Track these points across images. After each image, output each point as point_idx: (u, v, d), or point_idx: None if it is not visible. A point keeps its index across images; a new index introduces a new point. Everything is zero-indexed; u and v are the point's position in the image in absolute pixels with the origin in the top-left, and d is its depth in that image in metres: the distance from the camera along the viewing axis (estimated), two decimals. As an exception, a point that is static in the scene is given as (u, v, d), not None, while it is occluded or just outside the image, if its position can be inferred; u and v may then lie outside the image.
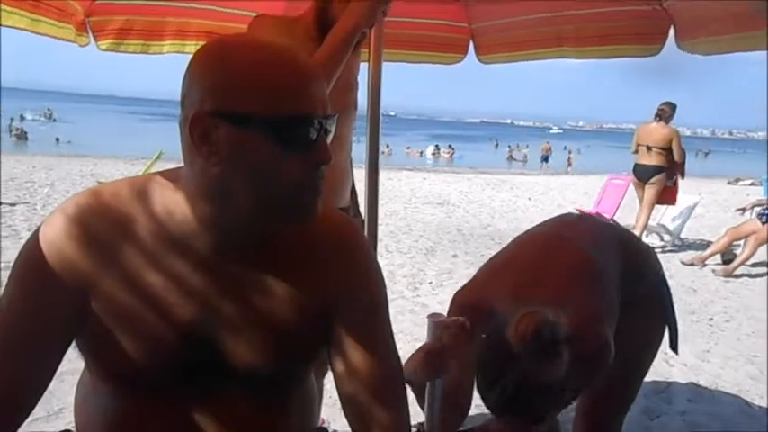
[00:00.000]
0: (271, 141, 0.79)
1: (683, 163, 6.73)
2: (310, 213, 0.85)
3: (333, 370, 0.98)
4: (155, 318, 0.86)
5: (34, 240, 0.85)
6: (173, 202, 0.86)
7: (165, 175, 0.90)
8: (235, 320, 0.89)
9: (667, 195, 6.85)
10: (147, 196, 0.87)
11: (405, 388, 1.01)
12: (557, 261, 1.55)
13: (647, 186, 6.76)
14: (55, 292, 0.84)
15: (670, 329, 1.79)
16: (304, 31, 1.70)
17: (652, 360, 1.79)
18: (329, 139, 0.85)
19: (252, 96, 0.77)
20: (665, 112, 6.58)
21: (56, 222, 0.85)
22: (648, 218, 6.83)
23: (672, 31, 2.12)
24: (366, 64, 1.84)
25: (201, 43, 2.55)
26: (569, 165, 26.92)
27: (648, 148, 6.67)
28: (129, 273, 0.85)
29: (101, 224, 0.85)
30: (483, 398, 1.42)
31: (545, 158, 27.62)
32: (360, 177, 1.96)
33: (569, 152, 29.91)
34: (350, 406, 0.96)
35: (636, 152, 6.81)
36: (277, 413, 0.95)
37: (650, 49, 2.22)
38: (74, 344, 0.91)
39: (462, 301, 1.57)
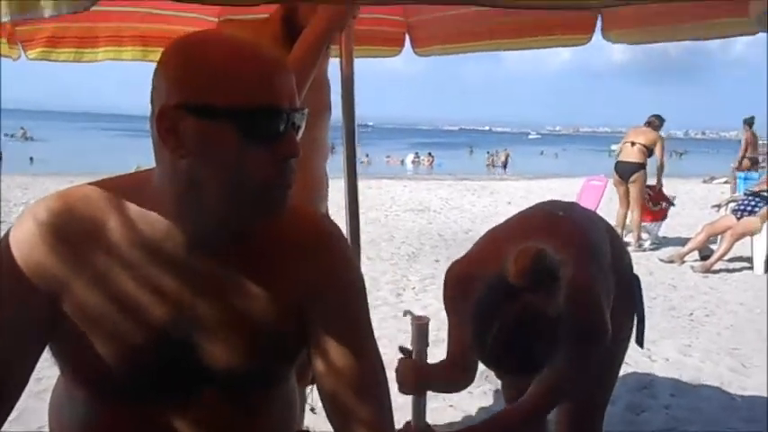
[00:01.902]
0: (237, 133, 0.78)
1: (662, 167, 7.08)
2: (280, 207, 0.84)
3: (314, 369, 0.97)
4: (128, 320, 0.84)
5: (4, 244, 0.84)
6: (144, 203, 0.85)
7: (136, 176, 0.90)
8: (210, 321, 0.87)
9: (658, 214, 7.12)
10: (118, 198, 0.86)
11: (386, 384, 0.99)
12: (553, 231, 1.57)
13: (629, 185, 6.93)
14: (25, 296, 0.82)
15: (638, 324, 1.81)
16: (271, 35, 1.69)
17: (624, 354, 1.80)
18: (299, 134, 0.84)
19: (217, 88, 0.77)
20: (654, 123, 7.11)
21: (25, 226, 0.84)
22: (640, 216, 6.95)
23: (599, 23, 2.23)
24: (337, 67, 1.84)
25: (138, 49, 2.53)
26: (504, 167, 27.80)
27: (633, 144, 7.05)
28: (100, 275, 0.84)
29: (71, 227, 0.84)
30: (479, 350, 1.38)
31: (504, 165, 28.41)
32: (339, 187, 1.96)
33: (505, 153, 30.46)
34: (331, 404, 0.95)
35: (619, 152, 7.09)
36: (256, 416, 0.93)
37: (579, 38, 2.33)
38: (50, 358, 0.89)
39: (458, 270, 1.62)
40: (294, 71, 1.54)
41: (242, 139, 0.78)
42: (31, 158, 21.97)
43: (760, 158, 10.98)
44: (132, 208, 0.85)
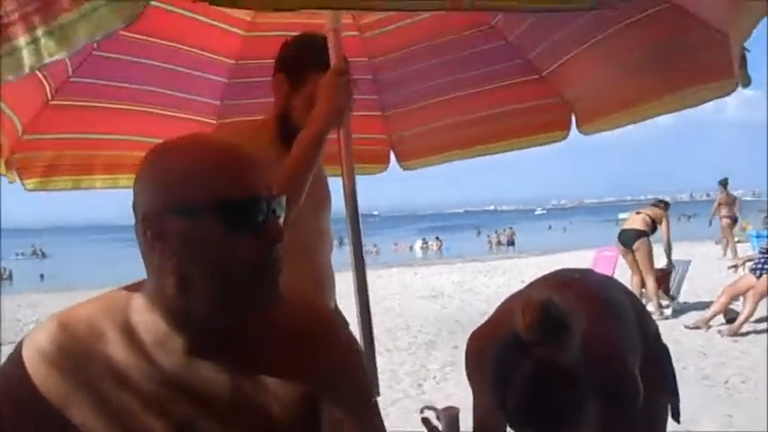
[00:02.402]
0: (220, 227, 0.80)
1: (669, 246, 7.22)
2: (271, 293, 0.85)
3: None
4: None
5: (8, 370, 0.83)
6: (138, 312, 0.85)
7: (129, 287, 0.89)
8: (218, 426, 0.84)
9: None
10: (113, 313, 0.86)
11: None
12: (567, 289, 1.54)
13: (635, 253, 6.92)
14: (29, 423, 0.80)
15: (672, 398, 1.72)
16: (268, 137, 1.73)
17: (663, 430, 1.70)
18: (280, 219, 0.86)
19: (195, 187, 0.80)
20: (659, 206, 7.40)
21: (26, 352, 0.83)
22: (654, 282, 6.86)
23: (573, 118, 2.35)
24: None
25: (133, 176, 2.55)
26: (510, 244, 28.05)
27: (638, 213, 7.33)
28: (101, 396, 0.81)
29: (69, 349, 0.82)
30: (500, 406, 1.35)
31: (510, 243, 28.50)
32: (348, 278, 1.93)
33: (510, 232, 30.81)
34: None
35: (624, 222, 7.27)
36: None
37: (558, 135, 2.44)
38: None
39: (476, 339, 1.60)
40: (295, 170, 1.57)
41: (226, 231, 0.80)
42: (42, 275, 22.14)
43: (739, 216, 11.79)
44: (127, 320, 0.85)
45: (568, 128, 2.37)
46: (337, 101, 1.58)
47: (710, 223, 11.83)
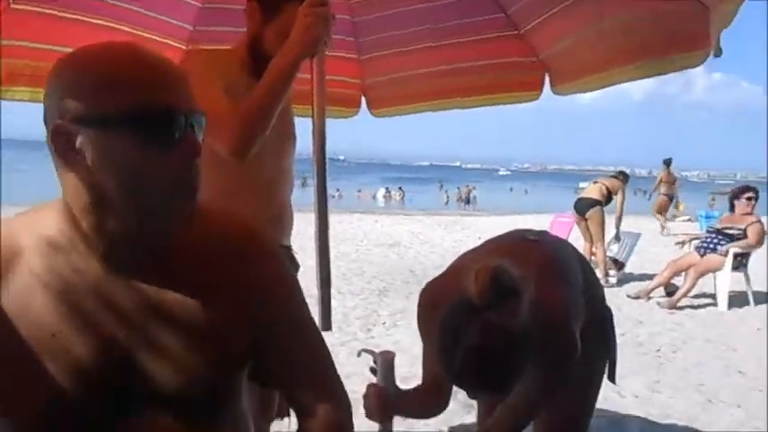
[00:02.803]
0: (134, 140, 0.76)
1: (620, 218, 7.61)
2: (187, 212, 0.82)
3: (266, 365, 0.96)
4: (58, 354, 0.80)
5: None
6: (56, 228, 0.82)
7: (49, 204, 0.86)
8: (143, 339, 0.83)
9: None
10: (34, 229, 0.84)
11: (335, 372, 1.02)
12: (520, 252, 1.59)
13: (588, 221, 7.19)
14: None
15: (610, 359, 1.81)
16: (239, 63, 1.69)
17: (598, 390, 1.80)
18: (200, 136, 0.82)
19: (106, 96, 0.75)
20: (618, 178, 7.57)
21: None
22: (604, 251, 7.13)
23: (547, 79, 2.35)
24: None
25: None
26: (467, 202, 28.34)
27: (595, 182, 7.56)
28: (24, 306, 0.80)
29: None
30: (447, 370, 1.38)
31: (466, 200, 28.84)
32: (310, 220, 1.94)
33: (467, 189, 31.09)
34: (291, 402, 0.98)
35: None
36: None
37: (530, 95, 2.45)
38: None
39: (428, 295, 1.65)
40: (264, 99, 1.54)
41: (140, 145, 0.76)
42: (-5, 188, 21.42)
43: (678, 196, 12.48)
44: (46, 235, 0.83)
45: (541, 88, 2.39)
46: (314, 30, 1.54)
47: (650, 197, 12.35)
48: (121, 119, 0.75)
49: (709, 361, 4.38)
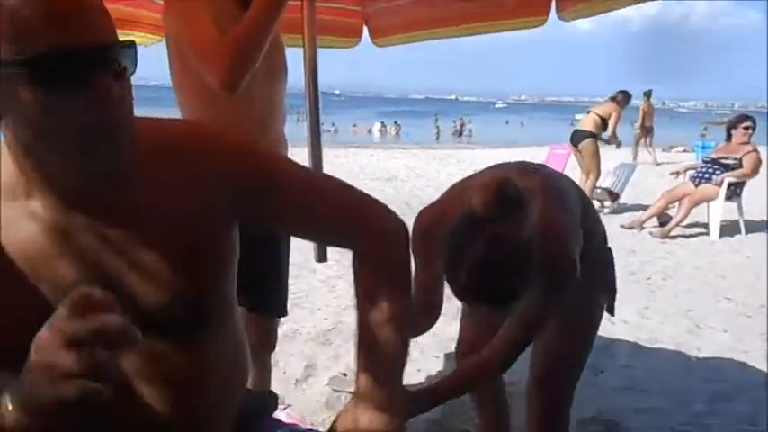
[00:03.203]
0: (37, 85, 0.68)
1: (613, 137, 7.63)
2: (110, 158, 0.75)
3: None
4: (42, 283, 0.78)
5: None
6: (8, 173, 0.79)
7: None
8: (120, 263, 0.81)
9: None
10: None
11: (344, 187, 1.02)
12: (527, 175, 1.57)
13: (581, 153, 7.23)
14: None
15: (610, 295, 1.84)
16: None
17: (598, 326, 1.84)
18: (129, 69, 0.75)
19: (3, 37, 0.67)
20: (618, 98, 7.49)
21: None
22: (593, 184, 7.17)
23: (553, 3, 2.23)
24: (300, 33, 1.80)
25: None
26: (460, 135, 28.08)
27: (588, 112, 7.54)
28: None
29: None
30: (453, 285, 1.39)
31: (459, 133, 28.67)
32: (304, 156, 1.93)
33: (460, 122, 30.74)
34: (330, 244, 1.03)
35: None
36: (198, 360, 0.89)
37: (536, 21, 2.35)
38: None
39: (425, 217, 1.65)
40: (252, 30, 1.50)
41: (40, 90, 0.69)
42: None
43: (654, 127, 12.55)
44: (5, 182, 0.79)
45: (548, 13, 2.28)
46: None
47: (633, 126, 12.51)
48: (18, 62, 0.68)
49: (699, 288, 4.49)
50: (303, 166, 0.99)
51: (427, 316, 1.70)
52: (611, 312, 1.87)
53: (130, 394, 0.83)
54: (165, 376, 0.85)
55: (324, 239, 0.98)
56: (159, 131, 0.87)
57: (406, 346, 0.99)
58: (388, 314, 0.95)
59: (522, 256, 1.31)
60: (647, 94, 12.45)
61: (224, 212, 0.88)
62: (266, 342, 2.02)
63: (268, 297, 1.92)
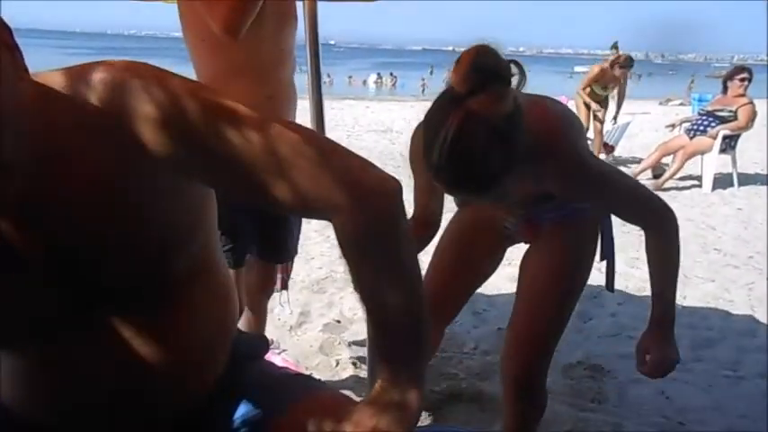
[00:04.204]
0: None
1: (621, 103, 7.47)
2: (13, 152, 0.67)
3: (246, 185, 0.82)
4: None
5: None
6: None
7: None
8: (75, 233, 0.77)
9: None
10: None
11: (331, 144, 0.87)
12: (528, 105, 1.35)
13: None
14: None
15: (608, 266, 1.73)
16: None
17: (582, 286, 1.68)
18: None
19: None
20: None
21: None
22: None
23: None
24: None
25: None
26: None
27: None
28: None
29: None
30: (429, 167, 1.24)
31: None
32: (302, 107, 1.93)
33: (392, 76, 30.29)
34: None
35: None
36: (175, 317, 0.86)
37: None
38: None
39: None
40: None
41: None
42: None
43: None
44: None
45: None
46: None
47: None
48: None
49: (688, 239, 4.54)
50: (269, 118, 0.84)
51: (426, 230, 1.64)
52: (611, 287, 1.75)
53: (112, 361, 0.83)
54: (144, 338, 0.83)
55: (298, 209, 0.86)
56: (74, 78, 0.76)
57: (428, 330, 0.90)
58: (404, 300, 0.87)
59: (499, 136, 1.18)
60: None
61: (161, 149, 0.76)
62: (265, 285, 2.06)
63: (270, 244, 1.95)
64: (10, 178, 0.68)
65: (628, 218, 1.52)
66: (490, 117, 1.17)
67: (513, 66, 1.22)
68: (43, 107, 0.73)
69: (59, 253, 0.77)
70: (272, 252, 1.99)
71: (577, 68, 13.67)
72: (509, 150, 1.21)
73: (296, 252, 2.08)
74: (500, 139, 1.19)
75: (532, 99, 1.37)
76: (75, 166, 0.75)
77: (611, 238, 1.73)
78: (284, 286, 2.18)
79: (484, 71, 1.17)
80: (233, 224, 1.64)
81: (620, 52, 7.57)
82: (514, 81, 1.24)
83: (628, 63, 7.38)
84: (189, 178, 0.82)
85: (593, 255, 1.67)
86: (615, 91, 7.36)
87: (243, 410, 0.95)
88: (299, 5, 1.84)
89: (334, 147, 0.87)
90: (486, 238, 1.76)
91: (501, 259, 1.84)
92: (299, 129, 0.86)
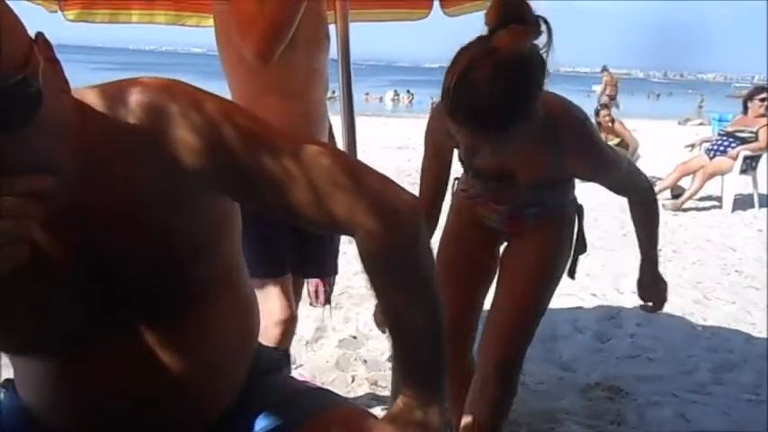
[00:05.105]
0: None
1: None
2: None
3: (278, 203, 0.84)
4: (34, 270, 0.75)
5: None
6: None
7: None
8: (105, 243, 0.79)
9: None
10: None
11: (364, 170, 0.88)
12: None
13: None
14: None
15: (576, 250, 1.77)
16: None
17: (557, 283, 1.73)
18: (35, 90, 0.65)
19: None
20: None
21: None
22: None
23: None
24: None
25: (171, 13, 2.44)
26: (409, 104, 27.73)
27: None
28: None
29: None
30: (444, 100, 1.32)
31: None
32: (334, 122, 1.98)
33: (409, 93, 30.37)
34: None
35: None
36: (193, 328, 0.88)
37: (419, 13, 2.62)
38: None
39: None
40: (283, 5, 1.52)
41: None
42: None
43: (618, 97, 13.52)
44: None
45: (430, 8, 2.53)
46: None
47: (599, 99, 12.80)
48: None
49: (709, 260, 4.49)
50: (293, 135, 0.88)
51: (431, 210, 1.72)
52: (572, 275, 1.80)
53: (132, 370, 0.84)
54: (164, 348, 0.85)
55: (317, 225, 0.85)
56: (111, 96, 0.78)
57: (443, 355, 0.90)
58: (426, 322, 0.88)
59: (513, 68, 1.26)
60: (606, 69, 13.55)
61: (197, 173, 0.79)
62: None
63: (301, 258, 1.95)
64: (62, 184, 0.70)
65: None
66: (505, 50, 1.24)
67: (541, 22, 1.29)
68: (82, 122, 0.75)
69: (92, 265, 0.80)
70: (303, 266, 1.99)
71: (595, 87, 13.83)
72: (520, 87, 1.29)
73: (334, 270, 2.12)
74: (511, 72, 1.26)
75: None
76: (114, 183, 0.77)
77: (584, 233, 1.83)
78: (327, 301, 2.21)
79: (508, 11, 1.25)
80: (268, 235, 1.65)
81: (611, 72, 7.67)
82: (542, 40, 1.32)
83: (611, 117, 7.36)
84: (220, 194, 0.85)
85: (571, 248, 1.76)
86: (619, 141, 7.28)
87: (263, 423, 0.95)
88: (332, 26, 1.89)
89: (363, 168, 0.89)
90: (484, 236, 1.81)
91: (499, 258, 1.84)
92: (331, 152, 0.88)
